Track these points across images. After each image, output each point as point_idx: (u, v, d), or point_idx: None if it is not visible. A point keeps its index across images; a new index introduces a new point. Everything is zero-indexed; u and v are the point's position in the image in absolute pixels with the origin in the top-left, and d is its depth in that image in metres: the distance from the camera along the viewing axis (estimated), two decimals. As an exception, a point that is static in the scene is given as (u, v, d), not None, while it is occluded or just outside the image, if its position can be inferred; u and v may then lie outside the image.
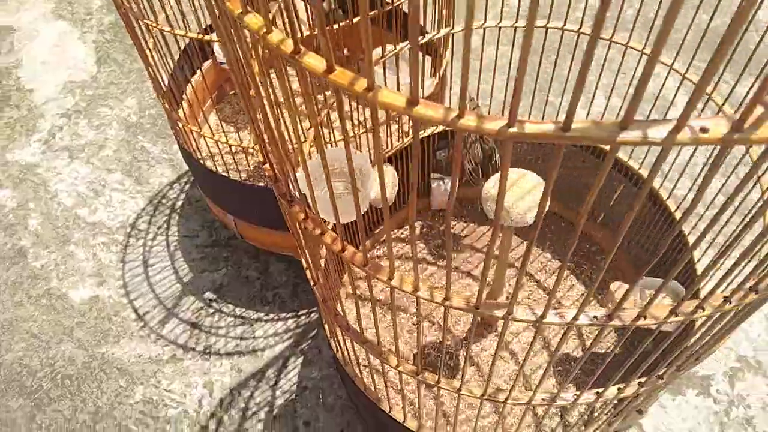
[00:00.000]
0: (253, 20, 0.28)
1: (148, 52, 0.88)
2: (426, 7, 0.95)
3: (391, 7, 1.02)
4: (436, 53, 1.04)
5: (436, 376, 0.56)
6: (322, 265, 0.73)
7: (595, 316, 0.38)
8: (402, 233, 1.22)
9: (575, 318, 0.38)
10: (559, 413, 1.01)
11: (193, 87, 1.24)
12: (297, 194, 0.46)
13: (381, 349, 0.57)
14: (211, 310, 1.33)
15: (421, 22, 1.13)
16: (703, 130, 0.22)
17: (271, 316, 1.31)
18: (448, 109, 0.22)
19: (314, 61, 0.25)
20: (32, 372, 1.27)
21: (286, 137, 0.39)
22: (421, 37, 0.85)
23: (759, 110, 0.22)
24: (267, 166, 0.45)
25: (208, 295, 1.35)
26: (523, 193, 0.74)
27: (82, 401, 1.23)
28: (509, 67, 0.94)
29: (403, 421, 0.75)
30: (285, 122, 0.35)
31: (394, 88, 1.03)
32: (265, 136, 0.38)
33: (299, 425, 1.17)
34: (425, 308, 1.11)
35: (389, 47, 0.82)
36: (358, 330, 0.57)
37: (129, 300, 1.36)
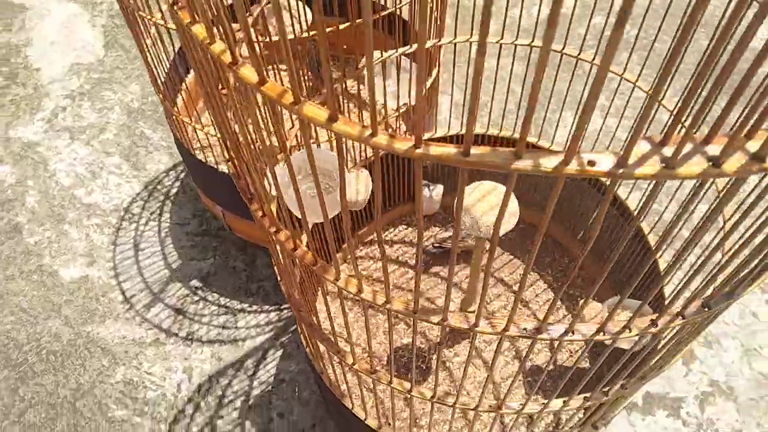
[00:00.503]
0: (199, 30, 0.30)
1: (145, 44, 0.90)
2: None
3: (389, 11, 1.04)
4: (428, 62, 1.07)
5: (409, 384, 0.58)
6: (297, 273, 0.75)
7: (524, 329, 0.40)
8: (387, 235, 1.25)
9: (505, 329, 0.40)
10: (526, 423, 1.03)
11: (187, 82, 1.27)
12: (263, 192, 0.49)
13: (353, 356, 0.59)
14: (197, 298, 1.36)
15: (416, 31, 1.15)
16: (591, 163, 0.24)
17: (255, 307, 1.34)
18: (364, 127, 0.25)
19: (248, 73, 0.27)
20: (19, 345, 1.30)
21: (251, 140, 0.42)
22: (409, 47, 0.87)
23: (643, 147, 0.25)
24: (230, 162, 0.48)
25: (195, 282, 1.38)
26: (492, 205, 0.76)
27: (65, 377, 1.26)
28: (508, 82, 0.96)
29: (365, 419, 0.77)
30: (248, 130, 0.38)
31: (381, 93, 1.06)
32: (227, 140, 0.41)
33: (273, 416, 1.20)
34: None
35: (377, 53, 0.84)
36: (333, 339, 0.60)
37: (117, 282, 1.39)
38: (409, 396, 0.57)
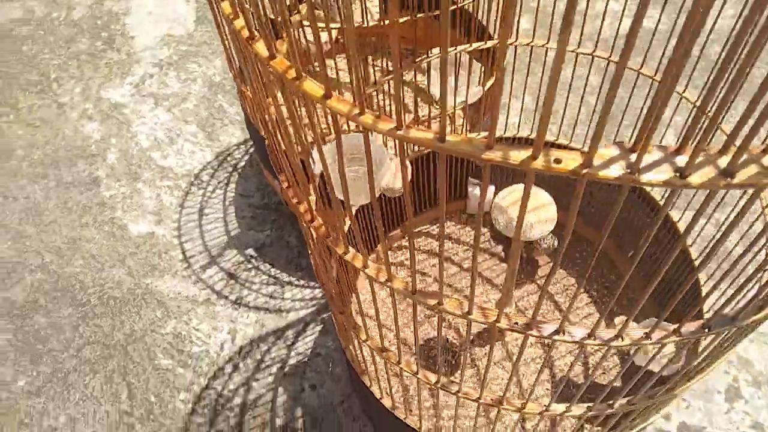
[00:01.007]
0: (240, 23, 0.34)
1: (221, 23, 0.97)
2: (491, 13, 0.99)
3: (455, 6, 1.07)
4: (492, 62, 1.09)
5: (435, 377, 0.61)
6: (335, 269, 0.79)
7: (516, 323, 0.43)
8: (433, 228, 1.28)
9: (497, 320, 0.43)
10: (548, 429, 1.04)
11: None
12: (308, 169, 0.53)
13: (366, 331, 0.63)
14: (250, 266, 1.43)
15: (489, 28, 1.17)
16: (557, 161, 0.26)
17: (302, 282, 1.40)
18: (353, 105, 0.28)
19: (259, 47, 0.31)
20: (84, 287, 1.41)
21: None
22: (483, 42, 0.90)
23: (612, 150, 0.27)
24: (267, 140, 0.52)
25: (250, 251, 1.45)
26: (530, 208, 0.78)
27: (121, 322, 1.36)
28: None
29: (381, 398, 0.81)
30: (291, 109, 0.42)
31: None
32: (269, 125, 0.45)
33: (305, 387, 1.25)
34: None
35: (435, 50, 0.87)
36: (351, 315, 0.64)
37: (180, 242, 1.48)
38: (434, 387, 0.60)
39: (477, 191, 1.20)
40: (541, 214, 0.77)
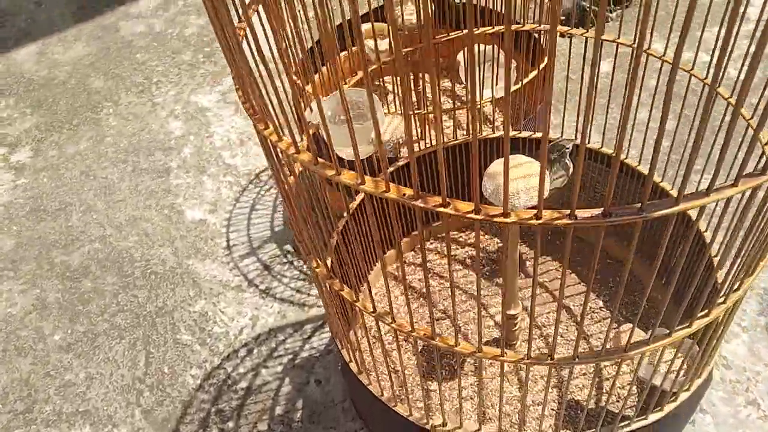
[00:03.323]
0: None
1: None
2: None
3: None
4: (535, 55, 1.06)
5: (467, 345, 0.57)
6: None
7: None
8: (469, 237, 1.23)
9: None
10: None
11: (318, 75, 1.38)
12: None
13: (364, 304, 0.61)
14: (285, 261, 1.45)
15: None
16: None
17: (331, 281, 1.39)
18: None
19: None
20: (132, 261, 1.49)
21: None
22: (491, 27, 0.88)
23: None
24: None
25: (288, 247, 1.47)
26: (519, 175, 0.74)
27: (156, 296, 1.41)
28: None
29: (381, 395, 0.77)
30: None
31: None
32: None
33: (311, 380, 1.22)
34: (449, 308, 1.11)
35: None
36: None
37: (227, 231, 1.53)
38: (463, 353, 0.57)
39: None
40: (531, 181, 0.72)
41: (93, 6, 2.44)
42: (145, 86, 2.01)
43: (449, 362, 1.04)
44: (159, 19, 2.33)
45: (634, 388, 0.94)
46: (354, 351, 0.82)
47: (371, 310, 0.62)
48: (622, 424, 0.75)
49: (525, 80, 1.05)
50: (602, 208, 0.39)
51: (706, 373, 0.77)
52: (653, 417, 0.74)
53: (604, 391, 0.97)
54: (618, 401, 0.95)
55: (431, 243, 1.24)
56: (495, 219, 0.42)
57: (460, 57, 1.05)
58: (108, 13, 2.40)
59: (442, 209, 0.41)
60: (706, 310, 0.60)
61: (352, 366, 0.79)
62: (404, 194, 0.42)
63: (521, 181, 0.73)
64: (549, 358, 0.52)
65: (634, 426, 0.72)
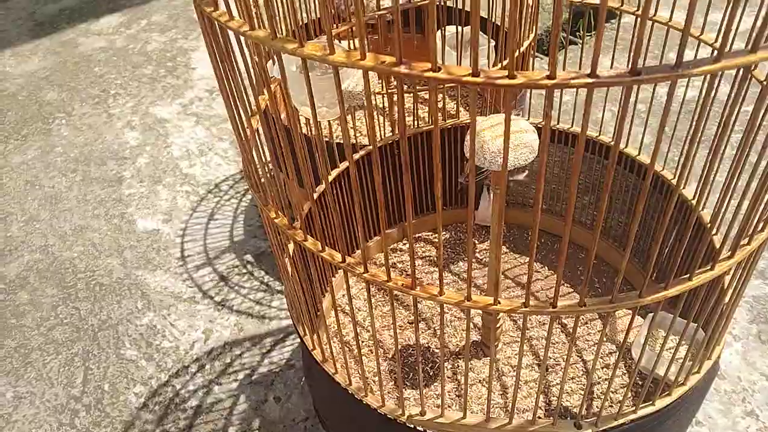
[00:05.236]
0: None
1: None
2: None
3: None
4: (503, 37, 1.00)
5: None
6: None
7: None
8: (433, 235, 1.14)
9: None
10: None
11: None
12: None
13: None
14: (244, 271, 1.33)
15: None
16: None
17: (294, 292, 1.28)
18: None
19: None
20: (75, 272, 1.36)
21: None
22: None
23: None
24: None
25: (248, 257, 1.36)
26: (501, 133, 0.66)
27: (100, 309, 1.27)
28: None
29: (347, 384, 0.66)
30: None
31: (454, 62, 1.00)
32: None
33: (270, 398, 1.10)
34: (426, 310, 1.01)
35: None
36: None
37: (181, 240, 1.41)
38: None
39: (487, 198, 1.07)
40: (516, 139, 0.65)
41: (52, 23, 2.35)
42: (101, 98, 1.91)
43: (426, 367, 0.93)
44: (121, 35, 2.25)
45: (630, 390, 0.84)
46: (317, 334, 0.71)
47: (340, 260, 0.52)
48: (621, 421, 0.65)
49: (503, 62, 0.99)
50: (629, 66, 0.31)
51: (710, 364, 0.68)
52: (655, 408, 0.65)
53: (595, 395, 0.87)
54: (611, 406, 0.85)
55: (404, 243, 1.15)
56: (498, 81, 0.33)
57: (437, 37, 0.99)
58: (68, 29, 2.32)
59: (430, 74, 0.33)
60: (709, 265, 0.52)
61: (316, 354, 0.68)
62: (383, 62, 0.34)
63: (502, 139, 0.65)
64: (551, 306, 0.43)
65: (630, 417, 0.63)
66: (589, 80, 0.31)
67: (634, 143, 0.98)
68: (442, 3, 1.10)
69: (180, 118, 1.80)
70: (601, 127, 1.00)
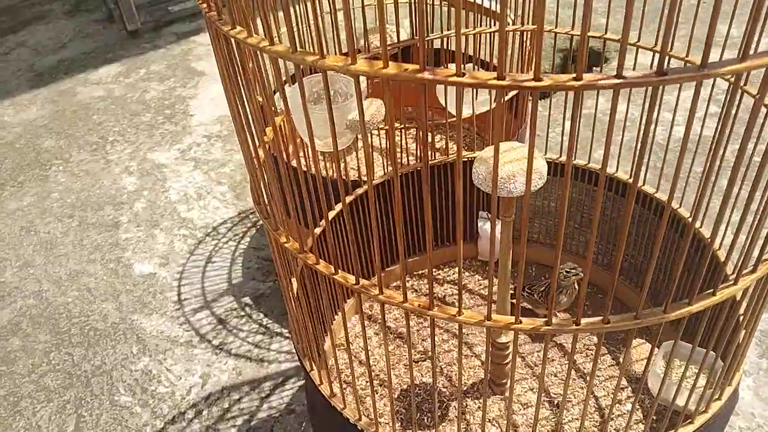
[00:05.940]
0: None
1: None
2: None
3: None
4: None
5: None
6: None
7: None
8: (440, 274, 1.13)
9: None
10: None
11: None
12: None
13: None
14: (242, 314, 1.31)
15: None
16: None
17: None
18: None
19: None
20: (70, 317, 1.33)
21: None
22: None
23: None
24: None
25: (246, 300, 1.34)
26: (510, 159, 0.66)
27: (94, 354, 1.24)
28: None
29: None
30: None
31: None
32: None
33: (270, 444, 1.06)
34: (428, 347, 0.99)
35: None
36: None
37: (179, 284, 1.39)
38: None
39: (487, 226, 1.06)
40: (520, 165, 0.64)
41: (51, 74, 2.38)
42: (99, 145, 1.91)
43: (430, 408, 0.90)
44: (119, 84, 2.27)
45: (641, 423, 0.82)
46: (326, 368, 0.69)
47: (353, 282, 0.50)
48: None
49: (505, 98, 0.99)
50: (655, 70, 0.31)
51: (731, 391, 0.66)
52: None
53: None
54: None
55: (408, 281, 1.13)
56: (525, 84, 0.33)
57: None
58: (66, 79, 2.34)
59: (455, 78, 0.32)
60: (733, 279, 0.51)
61: (323, 389, 0.66)
62: (406, 69, 0.33)
63: (517, 164, 0.65)
64: (574, 324, 0.41)
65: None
66: (616, 81, 0.30)
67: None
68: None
69: (178, 163, 1.80)
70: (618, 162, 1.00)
